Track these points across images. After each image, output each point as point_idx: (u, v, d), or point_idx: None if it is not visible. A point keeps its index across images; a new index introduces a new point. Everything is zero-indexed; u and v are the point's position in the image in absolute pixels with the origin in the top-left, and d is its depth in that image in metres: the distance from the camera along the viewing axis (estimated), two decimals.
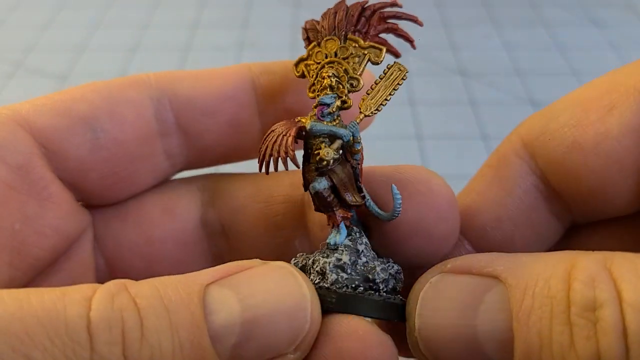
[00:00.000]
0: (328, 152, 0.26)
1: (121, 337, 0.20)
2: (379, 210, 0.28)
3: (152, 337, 0.20)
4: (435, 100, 0.69)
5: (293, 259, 0.28)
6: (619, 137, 0.26)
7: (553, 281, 0.21)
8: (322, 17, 0.29)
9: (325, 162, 0.26)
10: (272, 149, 0.25)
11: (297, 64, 0.29)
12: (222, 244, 0.33)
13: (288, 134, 0.26)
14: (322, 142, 0.27)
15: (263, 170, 0.26)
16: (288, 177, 0.31)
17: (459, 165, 0.59)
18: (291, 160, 0.25)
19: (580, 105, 0.27)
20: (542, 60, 0.76)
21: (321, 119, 0.27)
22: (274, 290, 0.23)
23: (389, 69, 0.28)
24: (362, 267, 0.26)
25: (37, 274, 0.28)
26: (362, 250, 0.27)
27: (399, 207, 0.27)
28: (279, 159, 0.25)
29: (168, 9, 0.88)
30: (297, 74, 0.29)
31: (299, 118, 0.27)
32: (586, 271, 0.21)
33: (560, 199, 0.28)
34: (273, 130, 0.26)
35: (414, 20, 0.30)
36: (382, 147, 0.62)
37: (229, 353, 0.21)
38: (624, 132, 0.25)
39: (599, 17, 0.84)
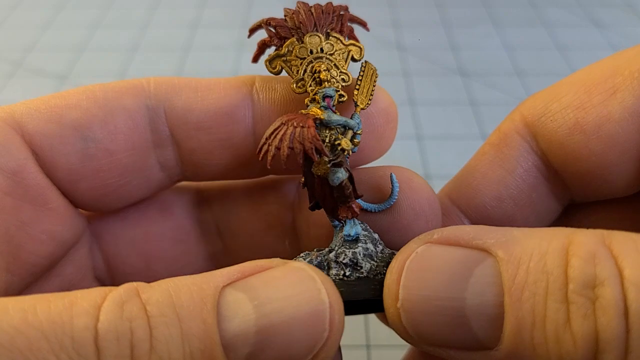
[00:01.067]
0: (348, 142, 0.26)
1: (129, 349, 0.19)
2: (369, 204, 0.28)
3: (161, 349, 0.19)
4: (435, 100, 0.69)
5: (303, 256, 0.27)
6: (621, 121, 0.26)
7: (550, 257, 0.20)
8: (290, 15, 0.29)
9: (346, 152, 0.26)
10: (290, 142, 0.25)
11: (271, 60, 0.28)
12: (217, 243, 0.33)
13: (307, 125, 0.25)
14: (333, 133, 0.27)
15: (279, 163, 0.25)
16: (276, 179, 0.32)
17: (459, 165, 0.59)
18: (320, 149, 0.25)
19: (582, 88, 0.27)
20: (542, 60, 0.75)
21: (327, 109, 0.27)
22: (292, 296, 0.21)
23: (364, 67, 0.29)
24: (382, 254, 0.27)
25: (35, 280, 0.28)
26: (377, 238, 0.27)
27: (396, 195, 0.28)
28: (306, 149, 0.25)
29: (168, 9, 0.88)
30: (273, 70, 0.28)
31: (302, 111, 0.27)
32: (585, 247, 0.20)
33: (560, 179, 0.29)
34: (284, 123, 0.25)
35: (363, 24, 0.31)
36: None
37: None
38: (625, 116, 0.26)
39: (599, 17, 0.84)
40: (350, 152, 0.27)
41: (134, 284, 0.21)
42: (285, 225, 0.32)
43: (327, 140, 0.27)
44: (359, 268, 0.26)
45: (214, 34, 0.81)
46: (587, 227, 0.30)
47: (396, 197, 0.28)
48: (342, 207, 0.27)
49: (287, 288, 0.21)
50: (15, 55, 0.77)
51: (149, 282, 0.21)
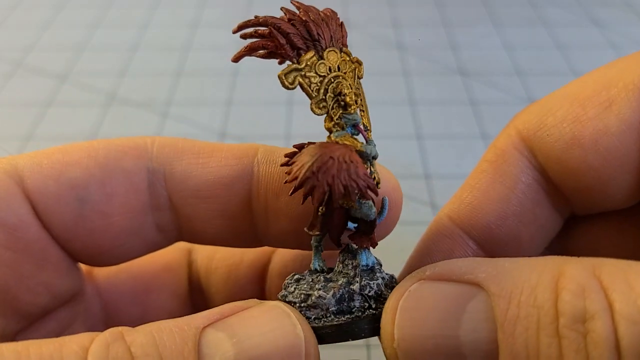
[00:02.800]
0: (379, 175, 0.26)
1: None
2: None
3: None
4: (435, 100, 0.69)
5: (292, 282, 0.27)
6: (618, 134, 0.25)
7: (540, 290, 0.20)
8: (303, 22, 0.25)
9: (379, 187, 0.26)
10: (344, 180, 0.23)
11: (288, 73, 0.25)
12: (199, 296, 0.35)
13: (355, 161, 0.23)
14: (366, 164, 0.26)
15: (334, 203, 0.23)
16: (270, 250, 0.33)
17: (459, 165, 0.59)
18: (372, 190, 0.24)
19: (577, 100, 0.27)
20: (542, 60, 0.75)
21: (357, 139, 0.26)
22: (269, 332, 0.22)
23: (360, 86, 0.27)
24: (388, 280, 0.27)
25: (30, 324, 0.29)
26: (381, 264, 0.27)
27: (383, 218, 0.27)
28: (361, 188, 0.23)
29: (168, 8, 0.88)
30: (290, 86, 0.25)
31: (334, 138, 0.25)
32: (575, 280, 0.20)
33: (561, 193, 0.28)
34: (332, 158, 0.23)
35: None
36: (382, 147, 0.62)
37: None
38: (623, 129, 0.25)
39: (599, 17, 0.84)
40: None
41: (119, 328, 0.22)
42: (256, 284, 0.34)
43: None
44: (382, 299, 0.25)
45: (214, 34, 0.81)
46: (590, 239, 0.30)
47: (382, 220, 0.27)
48: (364, 237, 0.26)
49: (264, 325, 0.22)
50: (15, 55, 0.77)
51: None
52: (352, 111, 0.26)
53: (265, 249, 0.34)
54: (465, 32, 0.81)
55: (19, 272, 0.27)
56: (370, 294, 0.25)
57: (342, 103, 0.25)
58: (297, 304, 0.25)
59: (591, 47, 0.78)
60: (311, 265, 0.27)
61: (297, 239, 0.29)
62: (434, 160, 0.61)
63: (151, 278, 0.33)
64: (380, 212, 0.28)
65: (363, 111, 0.27)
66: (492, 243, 0.28)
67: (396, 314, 0.23)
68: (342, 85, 0.25)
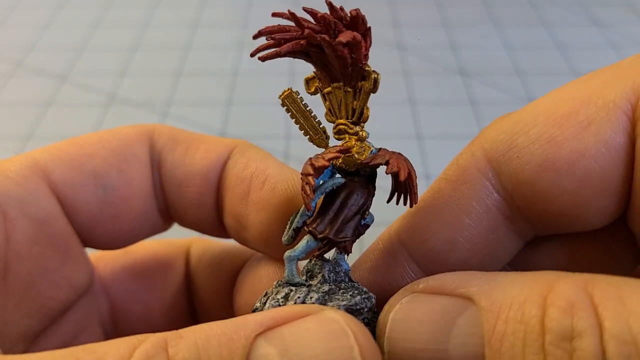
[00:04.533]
0: None
1: None
2: None
3: None
4: (435, 100, 0.69)
5: (273, 299, 0.25)
6: (597, 157, 0.23)
7: (527, 306, 0.20)
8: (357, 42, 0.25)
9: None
10: (409, 169, 0.25)
11: (310, 80, 0.27)
12: (193, 292, 0.36)
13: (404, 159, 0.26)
14: None
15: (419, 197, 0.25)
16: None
17: None
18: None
19: (552, 119, 0.24)
20: (542, 60, 0.76)
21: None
22: (323, 354, 0.20)
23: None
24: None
25: (50, 323, 0.29)
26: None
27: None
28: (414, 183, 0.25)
29: (168, 8, 0.88)
30: (310, 91, 0.27)
31: (347, 147, 0.26)
32: (564, 296, 0.19)
33: (524, 217, 0.26)
34: (399, 156, 0.25)
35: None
36: (382, 147, 0.62)
37: None
38: (602, 151, 0.23)
39: (599, 17, 0.84)
40: None
41: (163, 336, 0.20)
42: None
43: None
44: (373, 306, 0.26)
45: (214, 33, 0.81)
46: (552, 256, 0.28)
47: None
48: (350, 244, 0.26)
49: (319, 344, 0.21)
50: (15, 55, 0.77)
51: (148, 326, 0.21)
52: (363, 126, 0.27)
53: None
54: (465, 32, 0.81)
55: (44, 266, 0.28)
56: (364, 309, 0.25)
57: (362, 117, 0.26)
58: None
59: (591, 47, 0.78)
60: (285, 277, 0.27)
61: (265, 243, 0.29)
62: (434, 160, 0.61)
63: (153, 274, 0.35)
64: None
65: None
66: (437, 268, 0.26)
67: (387, 325, 0.23)
68: (358, 100, 0.26)
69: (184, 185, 0.30)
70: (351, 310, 0.24)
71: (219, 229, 0.32)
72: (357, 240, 0.26)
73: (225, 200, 0.30)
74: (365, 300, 0.25)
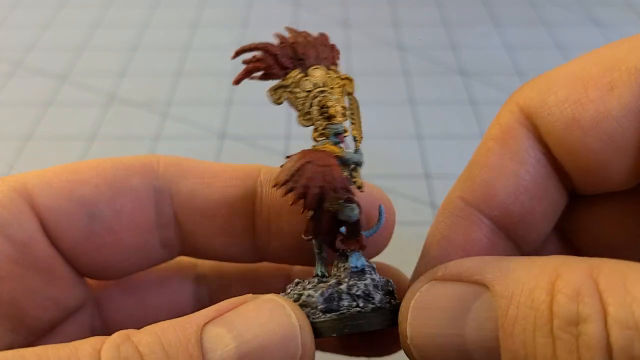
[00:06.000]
0: (362, 181, 0.27)
1: None
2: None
3: None
4: (435, 99, 0.69)
5: (292, 286, 0.28)
6: (619, 118, 0.25)
7: (537, 292, 0.21)
8: (291, 42, 0.28)
9: (361, 189, 0.27)
10: (319, 181, 0.25)
11: (276, 89, 0.28)
12: None
13: (332, 165, 0.26)
14: (347, 170, 0.27)
15: (308, 205, 0.26)
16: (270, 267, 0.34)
17: (459, 165, 0.59)
18: (348, 190, 0.26)
19: (580, 81, 0.26)
20: (542, 60, 0.75)
21: (341, 147, 0.27)
22: (265, 323, 0.24)
23: (350, 100, 0.29)
24: (382, 283, 0.27)
25: (37, 338, 0.29)
26: (375, 267, 0.28)
27: (381, 225, 0.29)
28: (337, 190, 0.25)
29: (168, 8, 0.88)
30: (277, 100, 0.29)
31: (316, 147, 0.27)
32: (571, 283, 0.20)
33: (563, 170, 0.28)
34: (310, 162, 0.26)
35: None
36: (382, 147, 0.62)
37: None
38: (623, 113, 0.25)
39: (599, 17, 0.84)
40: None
41: (125, 330, 0.23)
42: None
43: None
44: (371, 299, 0.26)
45: (214, 34, 0.81)
46: (593, 219, 0.30)
47: (380, 227, 0.29)
48: (352, 240, 0.28)
49: (261, 317, 0.24)
50: (15, 55, 0.77)
51: None
52: (336, 122, 0.27)
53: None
54: (465, 32, 0.81)
55: (28, 287, 0.28)
56: (357, 293, 0.26)
57: (326, 115, 0.27)
58: None
59: (591, 47, 0.77)
60: (314, 271, 0.29)
61: (299, 255, 0.31)
62: (434, 160, 0.61)
63: (148, 297, 0.34)
64: (378, 219, 0.29)
65: (354, 123, 0.28)
66: (507, 220, 0.28)
67: (408, 312, 0.25)
68: (326, 98, 0.27)
69: (209, 215, 0.30)
70: (306, 303, 0.27)
71: (248, 255, 0.32)
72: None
73: (271, 226, 0.30)
74: (332, 291, 0.27)
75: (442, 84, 0.72)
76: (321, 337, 0.26)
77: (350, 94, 0.29)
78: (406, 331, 0.25)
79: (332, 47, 0.29)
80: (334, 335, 0.26)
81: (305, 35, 0.29)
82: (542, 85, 0.28)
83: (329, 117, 0.27)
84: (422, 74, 0.73)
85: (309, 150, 0.27)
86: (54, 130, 0.65)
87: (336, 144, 0.27)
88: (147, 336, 0.23)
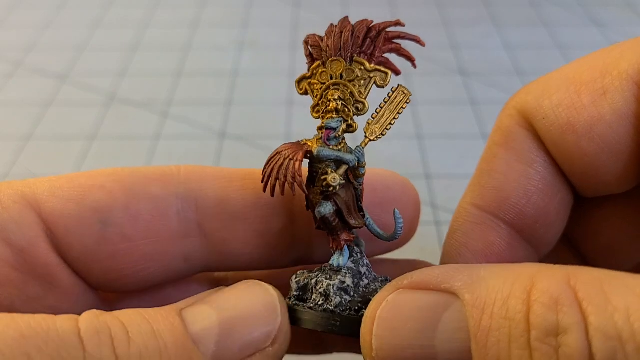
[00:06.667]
0: (335, 178, 0.26)
1: (110, 340, 0.21)
2: (379, 231, 0.28)
3: (138, 340, 0.21)
4: (436, 99, 0.69)
5: (294, 276, 0.28)
6: (611, 123, 0.26)
7: (512, 302, 0.20)
8: (326, 34, 0.28)
9: (331, 188, 0.26)
10: (278, 172, 0.25)
11: (299, 81, 0.28)
12: None
13: (295, 159, 0.25)
14: (328, 166, 0.27)
15: (267, 192, 0.26)
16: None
17: (459, 165, 0.59)
18: (298, 185, 0.25)
19: (573, 86, 0.27)
20: (542, 60, 0.75)
21: (327, 143, 0.27)
22: (245, 295, 0.25)
23: (393, 92, 0.28)
24: (364, 289, 0.27)
25: None
26: (364, 272, 0.27)
27: (400, 230, 0.28)
28: (286, 183, 0.25)
29: (168, 8, 0.88)
30: (300, 92, 0.28)
31: (304, 140, 0.27)
32: (548, 292, 0.19)
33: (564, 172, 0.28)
34: (279, 153, 0.26)
35: (417, 40, 0.29)
36: (383, 147, 0.62)
37: (212, 351, 0.23)
38: (615, 118, 0.25)
39: (599, 17, 0.84)
40: (338, 187, 0.26)
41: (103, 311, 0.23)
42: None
43: (319, 173, 0.27)
44: (329, 301, 0.26)
45: (214, 33, 0.81)
46: (596, 220, 0.30)
47: (400, 233, 0.28)
48: (330, 237, 0.27)
49: (240, 292, 0.25)
50: (15, 55, 0.77)
51: None
52: (328, 117, 0.27)
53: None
54: (465, 32, 0.81)
55: (25, 293, 0.27)
56: (320, 290, 0.26)
57: (325, 109, 0.27)
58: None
59: (591, 47, 0.78)
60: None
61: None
62: (434, 160, 0.60)
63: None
64: (394, 228, 0.28)
65: (373, 117, 0.27)
66: (523, 222, 0.28)
67: (374, 323, 0.23)
68: (332, 93, 0.27)
69: (242, 218, 0.29)
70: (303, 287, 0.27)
71: (284, 258, 0.31)
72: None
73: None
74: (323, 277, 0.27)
75: (442, 84, 0.72)
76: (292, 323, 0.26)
77: (380, 86, 0.28)
78: (371, 343, 0.23)
79: (373, 38, 0.28)
80: (293, 325, 0.26)
81: (344, 28, 0.28)
82: (538, 90, 0.28)
83: (325, 112, 0.27)
84: (422, 74, 0.73)
85: (291, 143, 0.27)
86: (54, 130, 0.65)
87: (320, 138, 0.27)
88: (128, 311, 0.23)
